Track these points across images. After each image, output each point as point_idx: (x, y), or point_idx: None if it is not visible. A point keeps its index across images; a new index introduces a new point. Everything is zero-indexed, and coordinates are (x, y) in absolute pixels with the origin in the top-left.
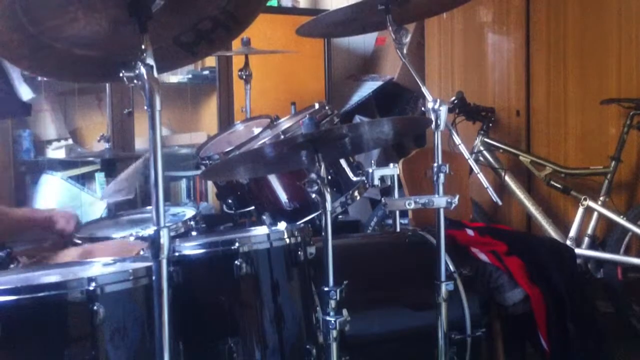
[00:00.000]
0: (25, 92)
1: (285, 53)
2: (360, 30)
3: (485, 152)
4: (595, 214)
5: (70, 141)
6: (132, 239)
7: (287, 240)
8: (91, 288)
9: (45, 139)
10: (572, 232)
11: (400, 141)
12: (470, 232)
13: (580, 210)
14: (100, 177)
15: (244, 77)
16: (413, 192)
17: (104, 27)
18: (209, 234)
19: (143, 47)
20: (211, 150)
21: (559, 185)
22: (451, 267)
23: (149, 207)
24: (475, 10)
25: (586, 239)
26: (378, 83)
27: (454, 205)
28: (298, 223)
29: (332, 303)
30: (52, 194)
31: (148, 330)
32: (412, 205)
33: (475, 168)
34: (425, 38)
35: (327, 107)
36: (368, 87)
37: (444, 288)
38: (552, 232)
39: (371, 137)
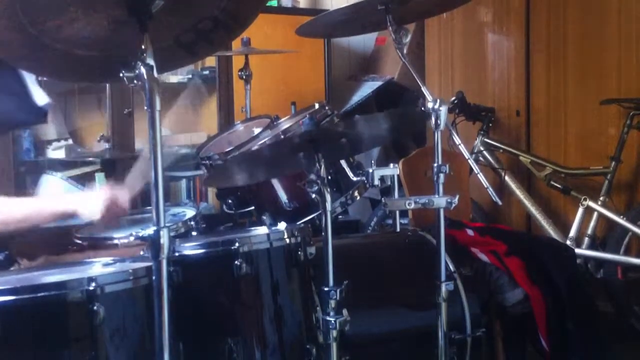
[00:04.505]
0: (40, 97)
1: (285, 53)
2: (360, 30)
3: (485, 152)
4: (595, 214)
5: (70, 141)
6: (132, 239)
7: (287, 240)
8: (91, 288)
9: (45, 139)
10: (572, 232)
11: (400, 141)
12: (470, 232)
13: (580, 211)
14: (100, 177)
15: (244, 77)
16: (413, 192)
17: (104, 27)
18: (209, 234)
19: (143, 47)
20: (211, 150)
21: (559, 186)
22: (451, 267)
23: (148, 207)
24: (475, 10)
25: (586, 239)
26: (378, 83)
27: (454, 205)
28: (298, 223)
29: (332, 303)
30: (52, 194)
31: (148, 330)
32: (412, 205)
33: (475, 168)
34: (425, 38)
35: (327, 107)
36: (368, 87)
37: (444, 288)
38: (552, 232)
39: (369, 134)
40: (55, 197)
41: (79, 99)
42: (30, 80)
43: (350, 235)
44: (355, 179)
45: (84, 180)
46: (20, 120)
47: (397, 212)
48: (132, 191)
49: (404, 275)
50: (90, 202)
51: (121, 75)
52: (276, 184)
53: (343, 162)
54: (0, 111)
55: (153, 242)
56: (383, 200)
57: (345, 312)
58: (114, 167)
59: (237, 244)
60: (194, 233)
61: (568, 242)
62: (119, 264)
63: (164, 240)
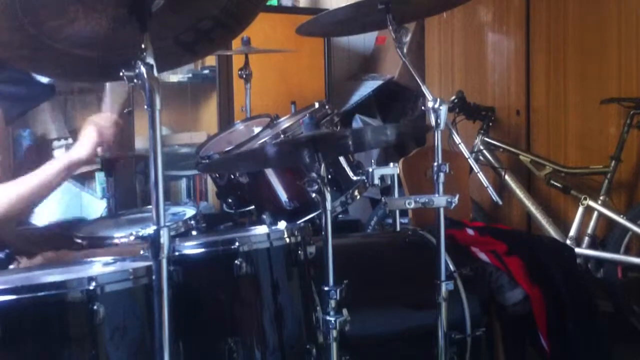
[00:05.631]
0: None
1: (285, 52)
2: (360, 29)
3: (485, 152)
4: (595, 213)
5: (70, 140)
6: (132, 238)
7: (287, 240)
8: (91, 287)
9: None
10: (572, 232)
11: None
12: (470, 231)
13: (580, 210)
14: (100, 176)
15: (244, 76)
16: (413, 191)
17: (104, 27)
18: (209, 234)
19: (143, 46)
20: (211, 149)
21: (559, 185)
22: (451, 267)
23: (149, 207)
24: (475, 9)
25: (586, 239)
26: (378, 82)
27: (454, 204)
28: (298, 222)
29: (332, 303)
30: (52, 193)
31: (148, 330)
32: (412, 205)
33: (475, 167)
34: (425, 37)
35: (327, 107)
36: (368, 87)
37: (444, 288)
38: (552, 231)
39: (373, 140)
40: (50, 162)
41: (79, 99)
42: None
43: (350, 235)
44: (355, 178)
45: (84, 179)
46: (33, 100)
47: (397, 212)
48: (113, 112)
49: (404, 275)
50: (81, 142)
51: (121, 74)
52: (276, 183)
53: (343, 161)
54: (15, 99)
55: (153, 242)
56: (383, 200)
57: (345, 312)
58: (114, 166)
59: (237, 244)
60: (194, 232)
61: (568, 242)
62: (119, 264)
63: (164, 239)
